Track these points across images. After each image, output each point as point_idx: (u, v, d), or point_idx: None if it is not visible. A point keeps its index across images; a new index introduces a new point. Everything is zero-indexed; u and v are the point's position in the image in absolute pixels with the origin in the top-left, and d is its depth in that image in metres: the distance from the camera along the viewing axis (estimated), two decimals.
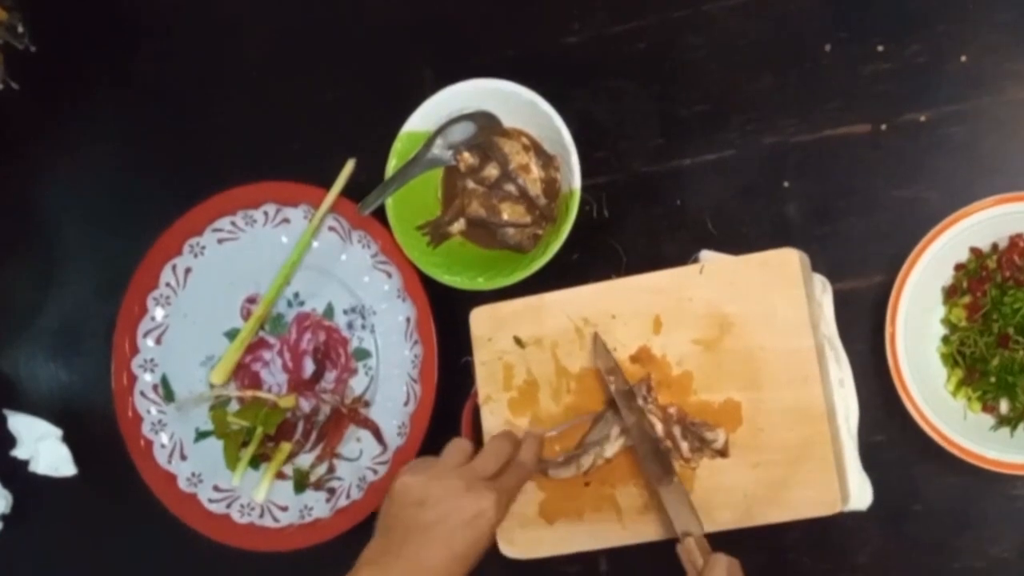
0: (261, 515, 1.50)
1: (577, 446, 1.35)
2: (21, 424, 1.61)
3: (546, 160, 1.44)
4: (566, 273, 1.41)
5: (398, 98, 1.48)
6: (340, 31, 1.59)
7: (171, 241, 1.54)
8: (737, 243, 1.37)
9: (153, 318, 1.55)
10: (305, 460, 1.51)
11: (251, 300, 1.54)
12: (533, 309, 1.39)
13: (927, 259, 1.30)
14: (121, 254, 1.59)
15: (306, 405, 1.52)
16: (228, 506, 1.51)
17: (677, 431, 1.31)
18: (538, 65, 1.48)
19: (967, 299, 1.31)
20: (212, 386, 1.54)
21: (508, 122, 1.46)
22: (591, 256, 1.44)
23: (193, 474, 1.53)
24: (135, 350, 1.55)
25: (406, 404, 1.47)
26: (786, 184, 1.40)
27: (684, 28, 1.45)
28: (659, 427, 1.32)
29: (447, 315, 1.45)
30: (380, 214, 1.46)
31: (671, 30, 1.45)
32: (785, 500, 1.29)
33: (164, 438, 1.54)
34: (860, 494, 1.32)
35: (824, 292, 1.35)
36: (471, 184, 1.47)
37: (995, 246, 1.31)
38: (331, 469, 1.50)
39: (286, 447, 1.51)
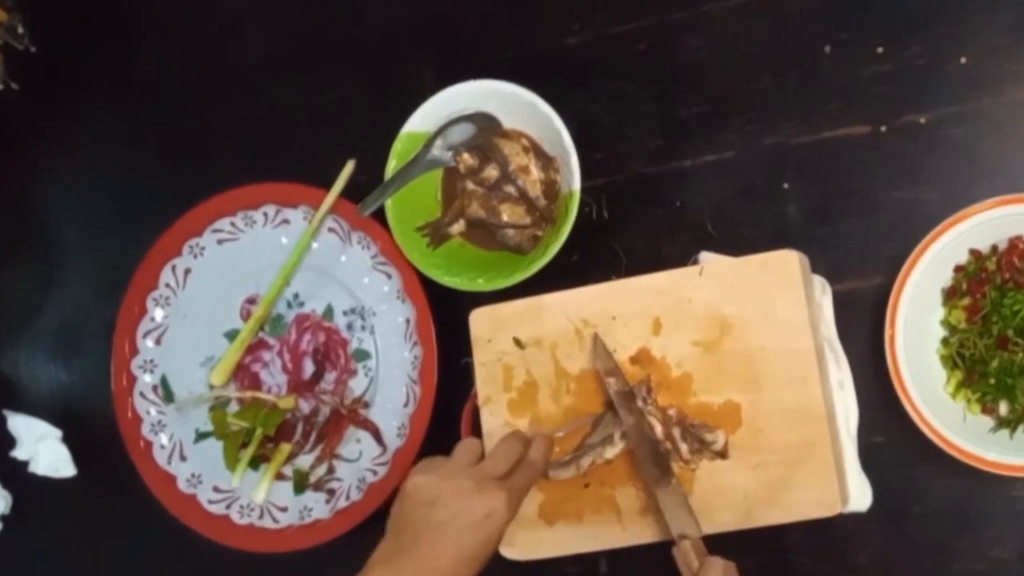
0: (261, 516, 1.50)
1: (577, 448, 1.35)
2: (21, 425, 1.61)
3: (546, 161, 1.44)
4: (566, 274, 1.41)
5: (398, 99, 1.48)
6: (340, 31, 1.59)
7: (171, 242, 1.54)
8: (737, 244, 1.37)
9: (153, 319, 1.55)
10: (305, 461, 1.51)
11: (251, 301, 1.54)
12: (533, 310, 1.39)
13: (927, 261, 1.30)
14: (121, 254, 1.59)
15: (306, 406, 1.52)
16: (228, 507, 1.51)
17: (677, 433, 1.31)
18: (538, 66, 1.48)
19: (967, 301, 1.31)
20: (212, 387, 1.54)
21: (508, 123, 1.46)
22: (591, 257, 1.44)
23: (193, 475, 1.53)
24: (135, 351, 1.55)
25: (406, 405, 1.47)
26: (786, 185, 1.40)
27: (684, 29, 1.44)
28: (658, 428, 1.32)
29: (447, 316, 1.45)
30: (380, 215, 1.46)
31: (671, 31, 1.45)
32: (785, 501, 1.29)
33: (164, 439, 1.54)
34: (860, 495, 1.32)
35: (824, 293, 1.35)
36: (471, 185, 1.47)
37: (995, 248, 1.31)
38: (331, 470, 1.50)
39: (286, 448, 1.51)
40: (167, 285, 1.55)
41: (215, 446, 1.52)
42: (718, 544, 1.27)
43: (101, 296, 1.62)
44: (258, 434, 1.50)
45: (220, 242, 1.54)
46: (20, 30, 1.61)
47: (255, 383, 1.54)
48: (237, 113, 1.62)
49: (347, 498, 1.48)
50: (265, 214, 1.52)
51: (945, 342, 1.33)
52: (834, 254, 1.37)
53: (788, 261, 1.30)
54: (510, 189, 1.45)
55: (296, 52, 1.61)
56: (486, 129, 1.45)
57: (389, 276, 1.48)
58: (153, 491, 1.53)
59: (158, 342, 1.55)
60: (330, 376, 1.52)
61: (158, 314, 1.55)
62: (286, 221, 1.52)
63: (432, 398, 1.45)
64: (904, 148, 1.36)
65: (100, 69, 1.68)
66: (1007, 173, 1.33)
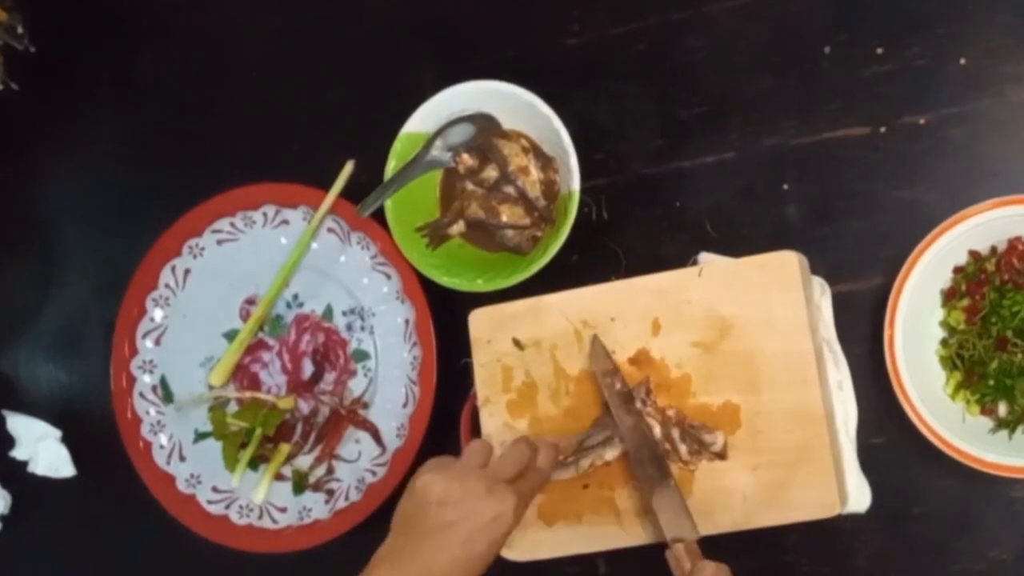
0: (260, 516, 1.50)
1: (576, 450, 1.35)
2: (20, 425, 1.61)
3: (545, 162, 1.44)
4: (565, 275, 1.41)
5: (397, 99, 1.48)
6: (340, 31, 1.59)
7: (170, 242, 1.54)
8: (736, 245, 1.37)
9: (152, 319, 1.55)
10: (304, 461, 1.51)
11: (250, 301, 1.54)
12: (532, 311, 1.39)
13: (926, 262, 1.29)
14: (121, 254, 1.59)
15: (305, 406, 1.52)
16: (227, 507, 1.51)
17: (676, 434, 1.31)
18: (538, 66, 1.48)
19: (966, 302, 1.31)
20: (211, 387, 1.54)
21: (507, 124, 1.46)
22: (590, 258, 1.44)
23: (192, 475, 1.53)
24: (134, 351, 1.55)
25: (405, 406, 1.47)
26: (785, 186, 1.40)
27: (684, 30, 1.44)
28: (657, 429, 1.32)
29: (446, 317, 1.45)
30: (379, 216, 1.46)
31: (671, 32, 1.45)
32: (784, 502, 1.29)
33: (163, 439, 1.54)
34: (859, 496, 1.32)
35: (823, 294, 1.35)
36: (470, 186, 1.47)
37: (994, 249, 1.31)
38: (330, 470, 1.50)
39: (285, 448, 1.51)
40: (167, 285, 1.55)
41: (214, 446, 1.52)
42: (718, 545, 1.27)
43: (101, 296, 1.62)
44: (257, 434, 1.50)
45: (220, 242, 1.54)
46: (20, 30, 1.61)
47: (254, 383, 1.54)
48: (237, 113, 1.62)
49: (346, 498, 1.48)
50: (265, 214, 1.52)
51: (944, 343, 1.33)
52: (833, 255, 1.37)
53: (787, 262, 1.30)
54: (509, 190, 1.45)
55: (296, 52, 1.61)
56: (485, 129, 1.45)
57: (388, 276, 1.48)
58: (152, 491, 1.53)
59: (157, 342, 1.55)
60: (329, 376, 1.52)
61: (158, 314, 1.55)
62: (285, 221, 1.52)
63: (431, 399, 1.45)
64: (904, 149, 1.36)
65: (100, 69, 1.68)
66: (1006, 174, 1.33)
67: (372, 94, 1.56)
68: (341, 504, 1.48)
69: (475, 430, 1.41)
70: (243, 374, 1.54)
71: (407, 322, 1.47)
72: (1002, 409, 1.31)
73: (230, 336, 1.54)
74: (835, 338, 1.34)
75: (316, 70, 1.59)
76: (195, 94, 1.65)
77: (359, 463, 1.49)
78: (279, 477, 1.51)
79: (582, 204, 1.40)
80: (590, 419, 1.36)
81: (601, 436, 1.34)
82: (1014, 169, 1.33)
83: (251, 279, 1.54)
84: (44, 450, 1.59)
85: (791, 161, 1.40)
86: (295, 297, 1.54)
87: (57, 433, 1.60)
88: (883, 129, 1.37)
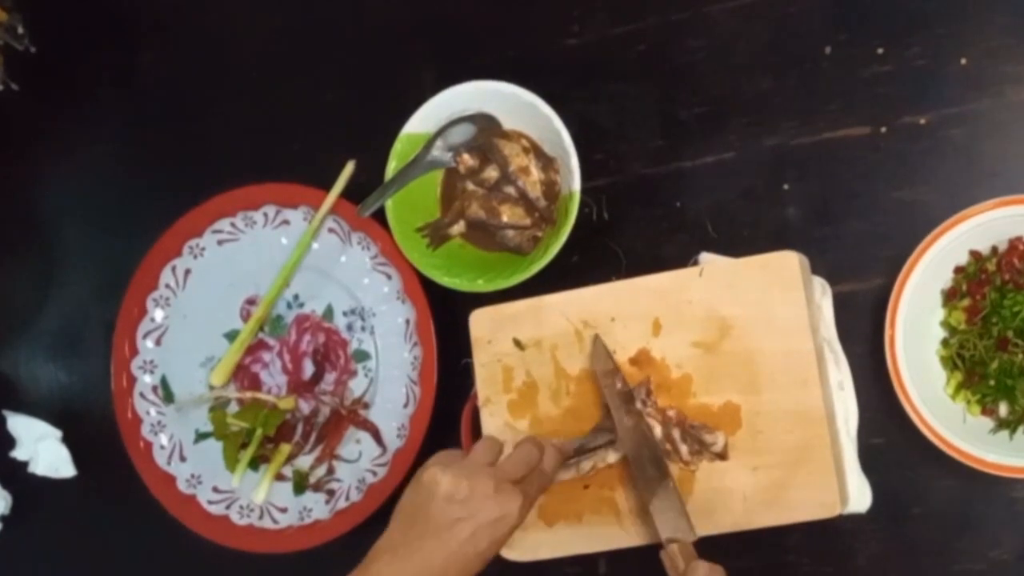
0: (260, 517, 1.50)
1: (577, 451, 1.35)
2: (20, 425, 1.61)
3: (546, 162, 1.44)
4: (566, 275, 1.41)
5: (398, 99, 1.48)
6: (340, 31, 1.59)
7: (171, 242, 1.54)
8: (737, 245, 1.37)
9: (153, 319, 1.55)
10: (304, 462, 1.51)
11: (251, 301, 1.54)
12: (533, 311, 1.39)
13: (927, 262, 1.29)
14: (121, 254, 1.59)
15: (305, 407, 1.52)
16: (227, 507, 1.51)
17: (676, 434, 1.31)
18: (538, 67, 1.48)
19: (966, 302, 1.31)
20: (212, 387, 1.54)
21: (508, 124, 1.46)
22: (591, 258, 1.44)
23: (192, 475, 1.53)
24: (135, 351, 1.55)
25: (406, 406, 1.47)
26: (786, 186, 1.40)
27: (684, 30, 1.44)
28: (658, 430, 1.32)
29: (447, 317, 1.45)
30: (380, 216, 1.46)
31: (671, 32, 1.45)
32: (784, 503, 1.29)
33: (163, 439, 1.54)
34: (859, 497, 1.32)
35: (824, 295, 1.35)
36: (471, 186, 1.47)
37: (995, 249, 1.31)
38: (330, 471, 1.50)
39: (285, 449, 1.51)
40: (167, 285, 1.55)
41: (215, 447, 1.52)
42: (718, 545, 1.27)
43: (101, 296, 1.62)
44: (258, 435, 1.50)
45: (220, 243, 1.54)
46: (20, 30, 1.61)
47: (255, 384, 1.54)
48: (237, 113, 1.62)
49: (347, 499, 1.48)
50: (265, 215, 1.52)
51: (945, 343, 1.33)
52: (834, 255, 1.37)
53: (788, 262, 1.30)
54: (510, 190, 1.45)
55: (296, 52, 1.61)
56: (486, 130, 1.45)
57: (389, 277, 1.48)
58: (153, 491, 1.53)
59: (158, 342, 1.55)
60: (330, 377, 1.52)
61: (158, 314, 1.55)
62: (286, 222, 1.52)
63: (432, 399, 1.45)
64: (904, 149, 1.36)
65: (100, 69, 1.68)
66: (1007, 174, 1.33)
67: (372, 94, 1.56)
68: (342, 504, 1.48)
69: (476, 430, 1.41)
70: (244, 374, 1.54)
71: (408, 322, 1.47)
72: (1003, 409, 1.30)
73: (231, 336, 1.54)
74: (836, 338, 1.34)
75: (316, 70, 1.60)
76: (195, 94, 1.65)
77: (360, 463, 1.49)
78: (280, 477, 1.51)
79: (583, 204, 1.40)
80: (591, 419, 1.36)
81: (603, 439, 1.34)
82: (1015, 169, 1.33)
83: (252, 279, 1.54)
84: (44, 450, 1.59)
85: (791, 161, 1.40)
86: (296, 297, 1.54)
87: (57, 433, 1.60)
88: (884, 129, 1.37)
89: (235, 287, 1.55)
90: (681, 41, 1.44)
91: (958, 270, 1.32)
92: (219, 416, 1.52)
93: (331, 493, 1.49)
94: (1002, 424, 1.30)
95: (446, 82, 1.45)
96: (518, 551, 1.37)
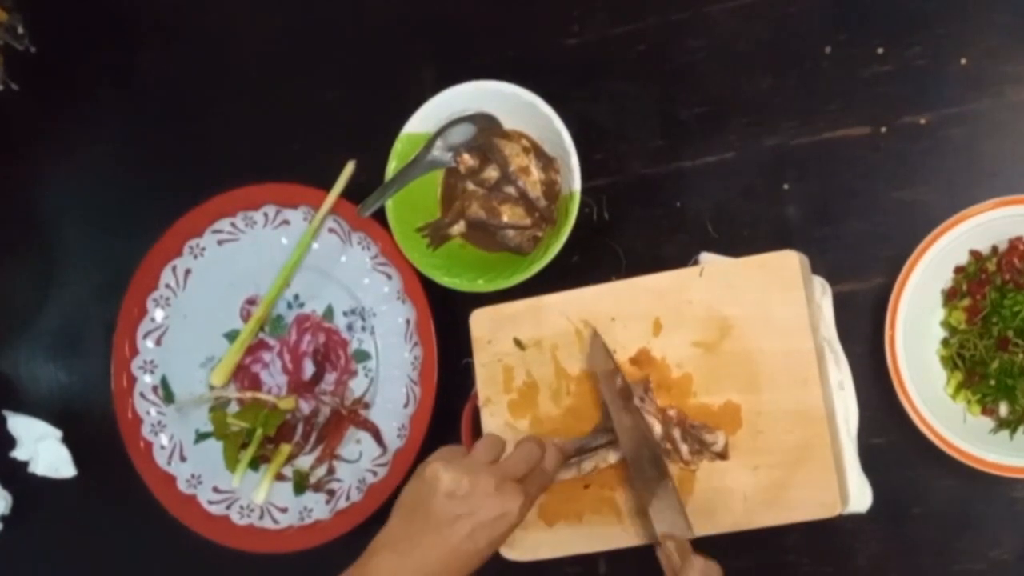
0: (261, 517, 1.50)
1: (578, 451, 1.35)
2: (21, 425, 1.61)
3: (546, 162, 1.44)
4: (566, 275, 1.41)
5: (398, 99, 1.48)
6: (340, 31, 1.59)
7: (171, 242, 1.54)
8: (737, 245, 1.37)
9: (153, 319, 1.55)
10: (305, 462, 1.51)
11: (251, 301, 1.54)
12: (533, 311, 1.39)
13: (927, 261, 1.29)
14: (121, 254, 1.59)
15: (306, 407, 1.52)
16: (227, 508, 1.51)
17: (677, 433, 1.31)
18: (538, 66, 1.48)
19: (967, 302, 1.31)
20: (212, 387, 1.54)
21: (508, 124, 1.46)
22: (591, 258, 1.44)
23: (193, 475, 1.53)
24: (135, 351, 1.55)
25: (406, 406, 1.47)
26: (786, 186, 1.40)
27: (684, 30, 1.44)
28: (657, 428, 1.32)
29: (447, 317, 1.45)
30: (380, 216, 1.46)
31: (671, 32, 1.45)
32: (785, 502, 1.29)
33: (164, 439, 1.54)
34: (860, 496, 1.32)
35: (824, 294, 1.35)
36: (471, 186, 1.47)
37: (995, 249, 1.31)
38: (331, 471, 1.50)
39: (286, 449, 1.51)
40: (167, 285, 1.55)
41: (215, 447, 1.52)
42: (718, 545, 1.27)
43: (101, 296, 1.62)
44: (258, 435, 1.50)
45: (220, 242, 1.54)
46: (20, 30, 1.61)
47: (255, 384, 1.54)
48: (237, 113, 1.62)
49: (347, 499, 1.48)
50: (265, 214, 1.52)
51: (945, 343, 1.33)
52: (834, 255, 1.37)
53: (788, 262, 1.30)
54: (510, 190, 1.45)
55: (296, 52, 1.61)
56: (486, 130, 1.45)
57: (389, 277, 1.48)
58: (153, 491, 1.53)
59: (158, 343, 1.55)
60: (330, 377, 1.52)
61: (158, 314, 1.55)
62: (286, 222, 1.52)
63: (432, 399, 1.45)
64: (904, 149, 1.36)
65: (100, 69, 1.68)
66: (1007, 174, 1.33)
67: (372, 94, 1.56)
68: (342, 504, 1.48)
69: (476, 430, 1.41)
70: (244, 374, 1.54)
71: (408, 322, 1.47)
72: (1003, 409, 1.31)
73: (231, 336, 1.54)
74: (836, 338, 1.34)
75: (316, 70, 1.60)
76: (195, 94, 1.65)
77: (360, 463, 1.49)
78: (280, 477, 1.51)
79: (583, 204, 1.40)
80: (591, 419, 1.36)
81: (604, 439, 1.34)
82: (1015, 169, 1.33)
83: (252, 279, 1.54)
84: (44, 450, 1.59)
85: (791, 161, 1.40)
86: (296, 297, 1.54)
87: (58, 433, 1.60)
88: (884, 129, 1.37)
89: (235, 287, 1.55)
90: (681, 41, 1.44)
91: (958, 270, 1.32)
92: (219, 416, 1.52)
93: (331, 493, 1.49)
94: (1002, 424, 1.30)
95: (446, 82, 1.45)
96: (518, 551, 1.37)
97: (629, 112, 1.46)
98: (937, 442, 1.28)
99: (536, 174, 1.44)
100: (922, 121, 1.36)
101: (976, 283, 1.30)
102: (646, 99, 1.45)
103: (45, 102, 1.68)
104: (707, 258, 1.38)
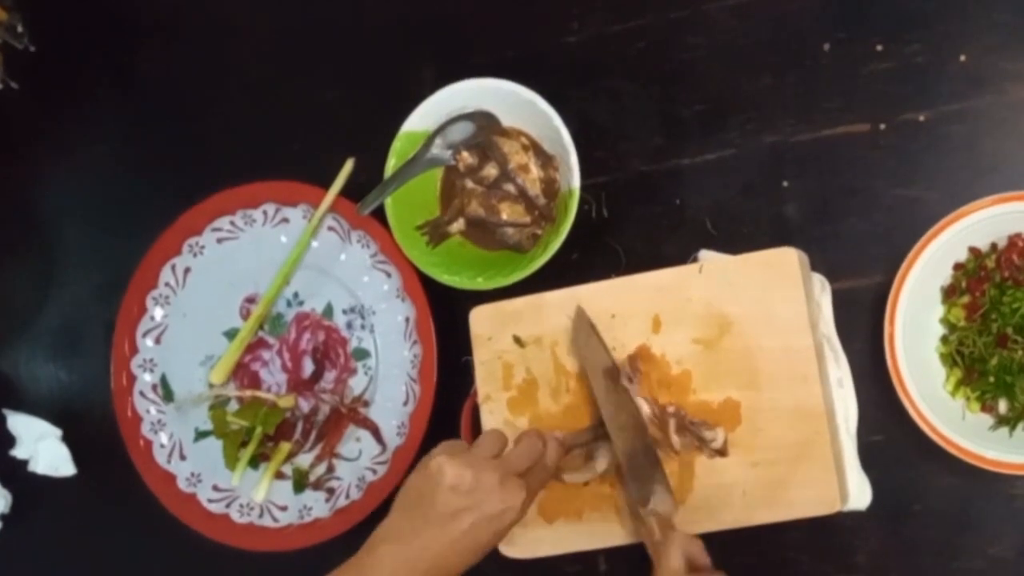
0: (260, 515, 1.50)
1: (581, 443, 1.35)
2: (20, 424, 1.61)
3: (545, 160, 1.44)
4: (565, 273, 1.41)
5: (397, 98, 1.48)
6: (340, 31, 1.59)
7: (170, 241, 1.54)
8: (736, 243, 1.37)
9: (152, 318, 1.55)
10: (304, 460, 1.51)
11: (250, 300, 1.54)
12: (533, 308, 1.39)
13: (926, 259, 1.29)
14: (121, 254, 1.59)
15: (305, 405, 1.52)
16: (227, 506, 1.51)
17: (672, 424, 1.31)
18: (537, 65, 1.48)
19: (966, 299, 1.31)
20: (211, 386, 1.54)
21: (507, 122, 1.46)
22: (590, 256, 1.44)
23: (192, 474, 1.53)
24: (134, 350, 1.55)
25: (405, 404, 1.47)
26: (785, 184, 1.40)
27: (683, 28, 1.44)
28: (645, 408, 1.31)
29: (446, 315, 1.45)
30: (379, 214, 1.46)
31: (671, 30, 1.45)
32: (784, 499, 1.29)
33: (163, 438, 1.54)
34: (859, 494, 1.32)
35: (823, 292, 1.35)
36: (470, 184, 1.47)
37: (994, 246, 1.31)
38: (330, 469, 1.50)
39: (285, 447, 1.51)
40: (167, 284, 1.55)
41: (215, 445, 1.52)
42: (718, 542, 1.27)
43: (101, 296, 1.62)
44: (258, 433, 1.51)
45: (220, 241, 1.54)
46: (20, 30, 1.61)
47: (255, 382, 1.54)
48: (237, 113, 1.62)
49: (347, 497, 1.48)
50: (265, 213, 1.53)
51: (944, 340, 1.33)
52: (833, 252, 1.37)
53: (787, 259, 1.30)
54: (509, 187, 1.45)
55: (296, 52, 1.61)
56: (485, 127, 1.45)
57: (389, 275, 1.48)
58: (153, 490, 1.53)
59: (158, 341, 1.55)
60: (330, 375, 1.52)
61: (158, 313, 1.55)
62: (285, 220, 1.52)
63: (432, 396, 1.45)
64: (903, 146, 1.36)
65: (100, 69, 1.68)
66: (1006, 171, 1.33)
67: (372, 93, 1.56)
68: (342, 502, 1.48)
69: (475, 428, 1.41)
70: (243, 373, 1.54)
71: (407, 320, 1.47)
72: (1002, 406, 1.30)
73: (230, 335, 1.54)
74: (835, 335, 1.34)
75: (316, 70, 1.60)
76: (195, 94, 1.65)
77: (359, 461, 1.49)
78: (279, 476, 1.51)
79: (582, 202, 1.40)
80: (590, 416, 1.36)
81: (604, 431, 1.33)
82: (1014, 166, 1.33)
83: (251, 277, 1.54)
84: (44, 449, 1.59)
85: (791, 158, 1.40)
86: (295, 295, 1.54)
87: (57, 432, 1.60)
88: (883, 126, 1.37)
89: (235, 285, 1.55)
90: (680, 39, 1.45)
91: (957, 267, 1.32)
92: (219, 414, 1.52)
93: (331, 491, 1.49)
94: (1001, 421, 1.30)
95: (445, 80, 1.45)
96: (518, 548, 1.37)
97: (628, 110, 1.46)
98: (936, 439, 1.28)
99: (535, 172, 1.44)
100: (921, 118, 1.36)
101: (975, 280, 1.30)
102: (645, 97, 1.45)
103: (45, 102, 1.68)
104: (707, 255, 1.38)
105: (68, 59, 1.67)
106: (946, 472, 1.32)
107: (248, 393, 1.52)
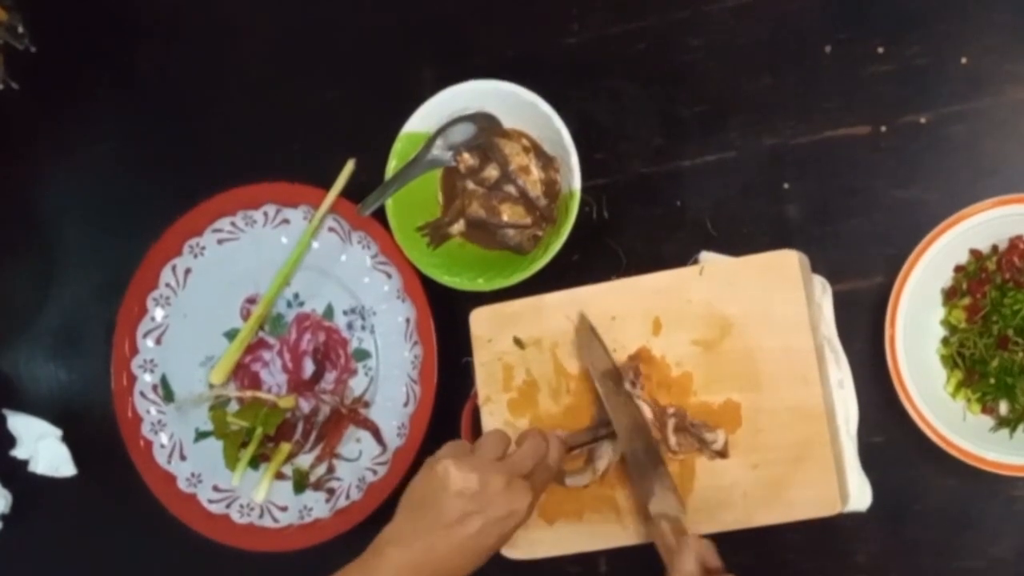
0: (261, 515, 1.50)
1: (587, 460, 1.35)
2: (21, 424, 1.61)
3: (546, 161, 1.44)
4: (566, 274, 1.41)
5: (398, 99, 1.48)
6: (340, 31, 1.59)
7: (171, 241, 1.54)
8: (737, 244, 1.37)
9: (153, 318, 1.55)
10: (305, 460, 1.51)
11: (251, 300, 1.54)
12: (532, 310, 1.39)
13: (927, 260, 1.29)
14: (121, 254, 1.59)
15: (306, 405, 1.52)
16: (227, 506, 1.51)
17: (671, 424, 1.31)
18: (538, 66, 1.48)
19: (967, 301, 1.31)
20: (212, 386, 1.54)
21: (508, 123, 1.46)
22: (591, 257, 1.44)
23: (193, 474, 1.53)
24: (135, 350, 1.55)
25: (406, 405, 1.47)
26: (786, 185, 1.40)
27: (684, 29, 1.44)
28: (647, 411, 1.31)
29: (447, 316, 1.45)
30: (380, 215, 1.46)
31: (671, 31, 1.45)
32: (785, 501, 1.29)
33: (164, 438, 1.54)
34: (859, 495, 1.32)
35: (824, 293, 1.35)
36: (471, 185, 1.47)
37: (995, 248, 1.31)
38: (330, 469, 1.50)
39: (286, 447, 1.51)
40: (167, 285, 1.55)
41: (215, 445, 1.52)
42: (718, 543, 1.27)
43: (101, 296, 1.62)
44: (258, 433, 1.50)
45: (220, 242, 1.54)
46: (20, 30, 1.60)
47: (255, 382, 1.54)
48: (237, 113, 1.62)
49: (347, 497, 1.48)
50: (265, 214, 1.52)
51: (945, 342, 1.33)
52: (834, 254, 1.37)
53: (788, 261, 1.30)
54: (510, 189, 1.45)
55: (296, 52, 1.61)
56: (486, 129, 1.45)
57: (389, 276, 1.48)
58: (153, 490, 1.53)
59: (158, 341, 1.55)
60: (330, 375, 1.52)
61: (158, 314, 1.55)
62: (286, 221, 1.52)
63: (432, 398, 1.45)
64: (904, 148, 1.36)
65: (100, 69, 1.68)
66: (1007, 172, 1.33)
67: (372, 94, 1.56)
68: (342, 503, 1.48)
69: (476, 429, 1.41)
70: (244, 373, 1.54)
71: (408, 321, 1.47)
72: (1003, 408, 1.31)
73: (231, 335, 1.54)
74: (836, 336, 1.34)
75: (316, 70, 1.60)
76: (195, 94, 1.65)
77: (360, 462, 1.49)
78: (280, 476, 1.51)
79: (583, 203, 1.40)
80: (591, 417, 1.36)
81: (605, 431, 1.34)
82: (1015, 167, 1.33)
83: (252, 278, 1.54)
84: (45, 449, 1.59)
85: (791, 160, 1.40)
86: (296, 296, 1.54)
87: (57, 432, 1.60)
88: (884, 128, 1.37)
89: (235, 286, 1.55)
90: (681, 40, 1.45)
91: (958, 269, 1.32)
92: (219, 415, 1.52)
93: (331, 492, 1.49)
94: (1002, 422, 1.31)
95: (446, 81, 1.45)
96: (519, 549, 1.37)
97: (629, 111, 1.46)
98: (937, 441, 1.28)
99: (536, 173, 1.44)
100: (922, 120, 1.36)
101: (976, 282, 1.30)
102: (646, 98, 1.45)
103: (45, 102, 1.68)
104: (707, 257, 1.38)
105: (68, 59, 1.67)
106: (946, 473, 1.32)
107: (248, 394, 1.52)
